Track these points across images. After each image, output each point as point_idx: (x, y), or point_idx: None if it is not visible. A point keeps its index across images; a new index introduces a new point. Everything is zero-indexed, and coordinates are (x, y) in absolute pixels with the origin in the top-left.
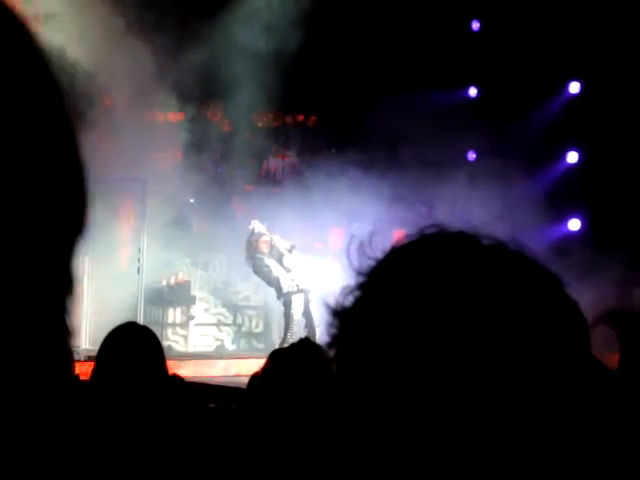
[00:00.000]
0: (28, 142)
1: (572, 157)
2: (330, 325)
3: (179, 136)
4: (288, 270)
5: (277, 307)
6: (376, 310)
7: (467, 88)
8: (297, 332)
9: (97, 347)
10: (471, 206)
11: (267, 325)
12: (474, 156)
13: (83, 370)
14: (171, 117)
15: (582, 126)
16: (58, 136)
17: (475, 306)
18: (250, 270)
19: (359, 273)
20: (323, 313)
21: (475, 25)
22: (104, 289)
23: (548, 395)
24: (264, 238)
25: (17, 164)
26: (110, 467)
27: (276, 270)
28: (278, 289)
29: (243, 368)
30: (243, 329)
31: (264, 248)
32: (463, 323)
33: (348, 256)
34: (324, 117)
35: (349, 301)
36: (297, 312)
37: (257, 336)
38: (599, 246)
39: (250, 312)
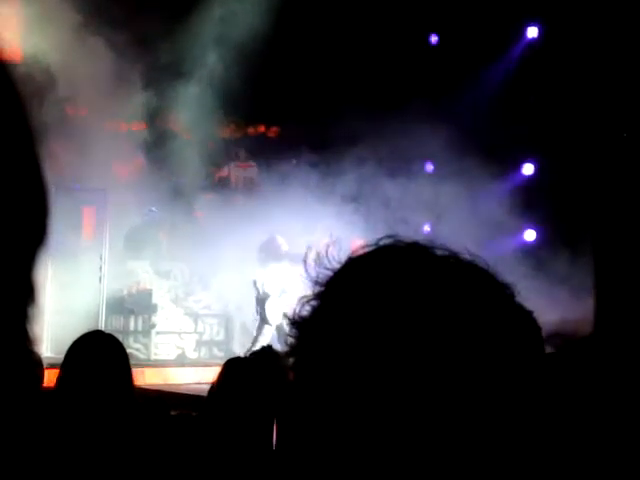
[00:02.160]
0: None
1: (528, 169)
2: (288, 334)
3: (140, 145)
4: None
5: (238, 315)
6: (333, 319)
7: (425, 98)
8: (263, 341)
9: (58, 355)
10: (432, 215)
11: (228, 333)
12: (432, 167)
13: (44, 377)
14: (132, 126)
15: (539, 137)
16: (18, 147)
17: (427, 316)
18: (211, 279)
19: (316, 283)
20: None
21: (434, 39)
22: (65, 297)
23: (499, 401)
24: (282, 242)
25: None
26: (73, 474)
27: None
28: (259, 295)
29: (204, 376)
30: (204, 337)
31: (283, 248)
32: (416, 332)
33: (305, 266)
34: (285, 128)
35: (306, 311)
36: (272, 325)
37: (218, 344)
38: (555, 256)
39: (211, 320)
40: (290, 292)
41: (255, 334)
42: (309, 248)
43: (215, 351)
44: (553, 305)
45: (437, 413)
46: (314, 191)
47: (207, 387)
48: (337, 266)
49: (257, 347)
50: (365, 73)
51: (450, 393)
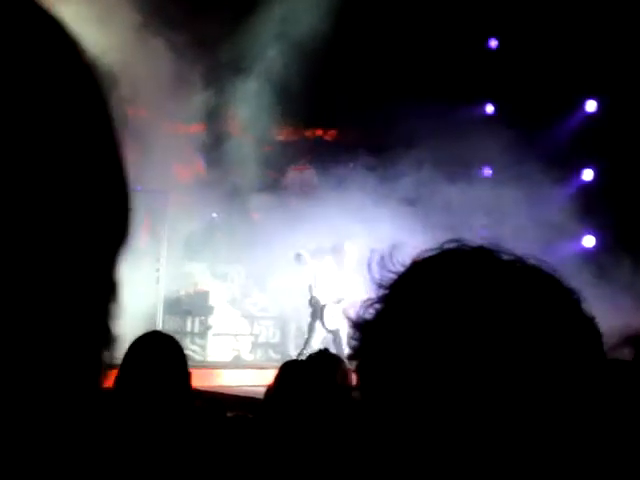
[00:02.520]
0: (75, 153)
1: (588, 174)
2: (351, 337)
3: (199, 147)
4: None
5: (293, 318)
6: (398, 323)
7: (485, 104)
8: (315, 346)
9: (115, 355)
10: (490, 220)
11: (284, 335)
12: (490, 171)
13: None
14: (192, 128)
15: (599, 143)
16: (103, 147)
17: (493, 321)
18: (267, 281)
19: (380, 286)
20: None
21: (493, 43)
22: (123, 298)
23: (562, 407)
24: (352, 256)
25: (63, 174)
26: (129, 474)
27: (324, 281)
28: (312, 299)
29: (260, 378)
30: (260, 339)
31: (347, 262)
32: (482, 337)
33: (369, 269)
34: (343, 131)
35: (370, 314)
36: (322, 325)
37: (274, 346)
38: (617, 263)
39: (267, 323)
40: (347, 297)
41: (307, 337)
42: (373, 251)
43: (271, 353)
44: (615, 312)
45: (502, 416)
46: (371, 195)
47: (263, 389)
48: (401, 269)
49: (309, 349)
50: (424, 76)
51: (513, 396)
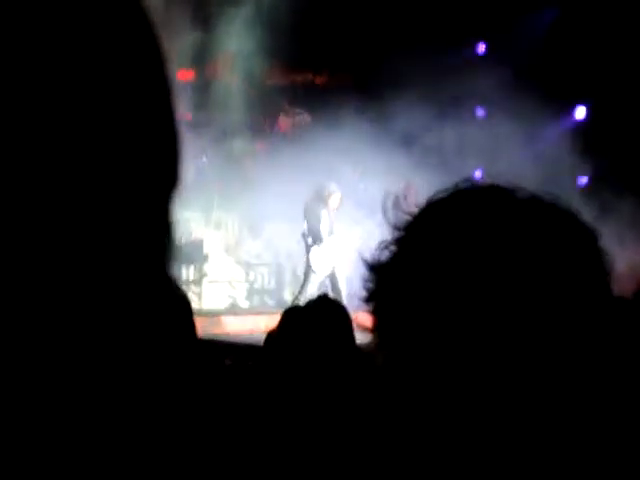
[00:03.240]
0: (129, 98)
1: (581, 112)
2: (366, 280)
3: (189, 94)
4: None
5: (288, 264)
6: (413, 264)
7: (477, 43)
8: (311, 292)
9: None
10: (486, 159)
11: (279, 282)
12: (483, 111)
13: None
14: (180, 75)
15: (592, 82)
16: (157, 92)
17: (509, 260)
18: (261, 228)
19: (395, 228)
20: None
21: None
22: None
23: (571, 344)
24: (337, 195)
25: (119, 120)
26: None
27: (324, 227)
28: (315, 240)
29: (256, 324)
30: (255, 286)
31: (332, 204)
32: (498, 276)
33: (384, 211)
34: (334, 74)
35: (385, 256)
36: (318, 273)
37: (269, 293)
38: (617, 198)
39: (262, 269)
40: (336, 241)
41: (302, 282)
42: (387, 193)
43: (267, 299)
44: (619, 249)
45: (513, 354)
46: (364, 137)
47: (260, 336)
48: (415, 211)
49: (305, 295)
50: (416, 16)
51: (526, 335)
